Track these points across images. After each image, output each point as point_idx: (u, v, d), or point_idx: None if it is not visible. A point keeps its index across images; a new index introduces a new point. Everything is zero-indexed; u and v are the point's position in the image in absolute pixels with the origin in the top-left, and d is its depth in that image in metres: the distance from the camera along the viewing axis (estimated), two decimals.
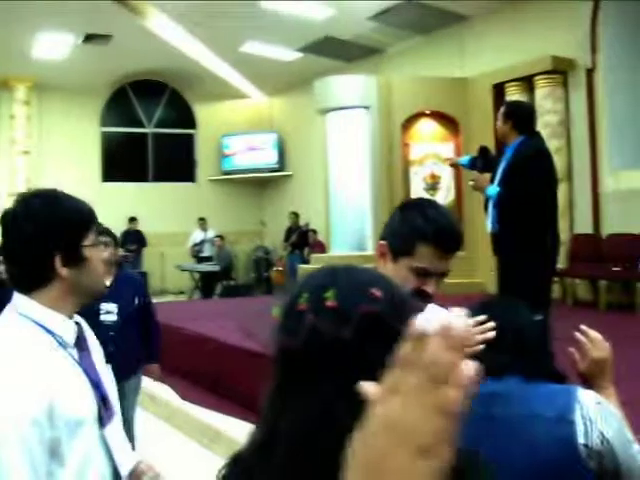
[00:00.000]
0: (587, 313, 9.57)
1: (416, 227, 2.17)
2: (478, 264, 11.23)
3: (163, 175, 20.05)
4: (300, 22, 14.37)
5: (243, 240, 19.83)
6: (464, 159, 6.67)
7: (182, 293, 18.19)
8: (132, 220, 18.27)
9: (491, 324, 1.95)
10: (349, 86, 12.73)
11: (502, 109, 5.95)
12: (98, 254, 2.09)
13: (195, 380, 7.79)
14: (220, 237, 18.13)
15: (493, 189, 5.70)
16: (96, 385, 1.95)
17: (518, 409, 1.84)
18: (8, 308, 1.92)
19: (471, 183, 5.91)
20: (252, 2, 13.37)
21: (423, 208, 2.25)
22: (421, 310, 2.20)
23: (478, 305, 2.10)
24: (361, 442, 0.71)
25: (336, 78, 13.17)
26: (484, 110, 11.84)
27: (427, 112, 12.72)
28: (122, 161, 19.67)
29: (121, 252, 17.62)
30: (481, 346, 1.91)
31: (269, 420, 1.14)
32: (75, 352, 1.95)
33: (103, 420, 1.95)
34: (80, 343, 1.99)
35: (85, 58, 16.38)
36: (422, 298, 2.16)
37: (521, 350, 1.95)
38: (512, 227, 5.71)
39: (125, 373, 4.86)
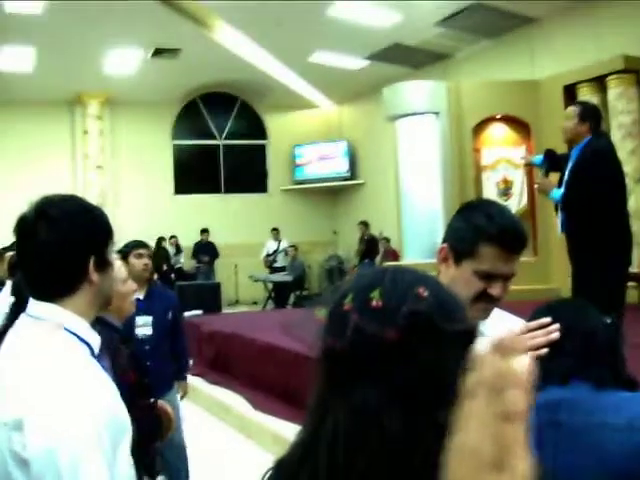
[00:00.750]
0: None
1: (479, 227, 2.11)
2: (553, 269, 11.05)
3: (235, 186, 20.21)
4: (367, 30, 14.36)
5: (316, 250, 19.84)
6: (537, 158, 6.52)
7: (255, 303, 18.27)
8: (204, 232, 18.44)
9: (555, 326, 1.88)
10: (418, 92, 12.67)
11: (575, 109, 5.89)
12: (116, 261, 2.07)
13: (268, 390, 7.79)
14: (293, 247, 18.18)
15: (557, 192, 5.67)
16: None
17: (586, 417, 1.76)
18: (28, 317, 1.84)
19: (536, 186, 5.89)
20: (319, 11, 13.40)
21: (485, 208, 2.19)
22: (483, 316, 2.12)
23: (544, 307, 2.03)
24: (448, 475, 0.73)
25: (405, 84, 13.12)
26: (556, 112, 11.62)
27: (498, 116, 12.60)
28: (194, 173, 19.92)
29: (194, 264, 17.90)
30: (545, 349, 1.85)
31: (313, 422, 1.12)
32: (102, 362, 1.92)
33: None
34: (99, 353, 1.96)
35: (155, 72, 16.66)
36: (488, 301, 2.13)
37: (590, 355, 1.86)
38: (579, 229, 5.69)
39: (160, 388, 4.66)
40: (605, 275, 5.51)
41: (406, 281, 1.11)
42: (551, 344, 1.85)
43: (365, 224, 17.65)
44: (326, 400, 1.10)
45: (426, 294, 1.08)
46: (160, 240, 17.38)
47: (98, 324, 2.38)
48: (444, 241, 2.24)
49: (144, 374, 2.25)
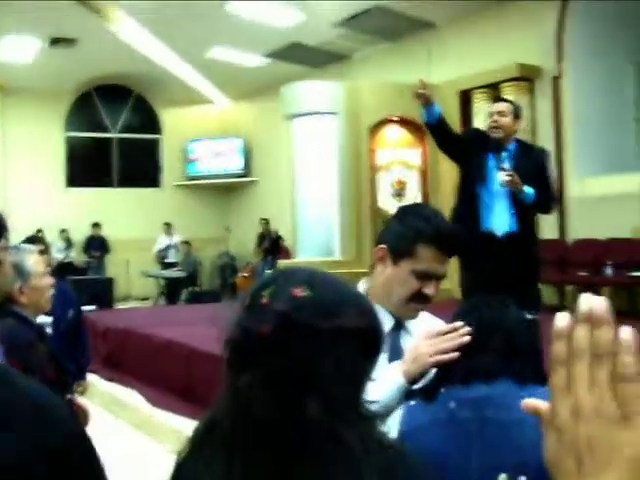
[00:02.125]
0: (554, 318, 9.63)
1: (418, 229, 2.24)
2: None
3: (128, 180, 19.96)
4: (267, 28, 14.36)
5: (208, 246, 19.72)
6: (433, 110, 5.69)
7: (146, 299, 18.08)
8: (96, 226, 18.12)
9: (466, 329, 1.95)
10: (316, 92, 12.72)
11: (510, 105, 5.71)
12: (8, 257, 2.07)
13: (165, 387, 7.74)
14: (186, 243, 18.07)
15: (530, 189, 5.43)
16: None
17: (508, 413, 1.84)
18: None
19: (508, 178, 5.36)
20: (219, 8, 13.35)
21: (423, 211, 2.35)
22: (415, 316, 2.21)
23: (468, 306, 2.10)
24: (562, 441, 0.75)
25: (303, 84, 13.16)
26: (451, 116, 11.83)
27: (394, 118, 12.75)
28: (87, 166, 19.60)
29: (85, 258, 17.50)
30: (456, 353, 1.92)
31: (212, 407, 1.25)
32: None
33: None
34: None
35: (51, 62, 16.27)
36: (421, 301, 2.28)
37: (512, 352, 1.94)
38: (530, 227, 5.71)
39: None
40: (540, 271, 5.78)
41: (292, 281, 1.21)
42: (476, 342, 1.92)
43: (267, 221, 17.63)
44: (224, 387, 1.22)
45: (303, 294, 1.18)
46: (38, 232, 16.84)
47: (14, 318, 2.36)
48: (381, 242, 2.34)
49: (62, 370, 2.24)
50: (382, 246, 2.32)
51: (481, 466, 1.79)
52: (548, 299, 11.17)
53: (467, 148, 5.65)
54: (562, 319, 0.76)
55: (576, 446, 0.73)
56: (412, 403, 1.95)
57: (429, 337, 2.00)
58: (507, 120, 5.57)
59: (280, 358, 1.14)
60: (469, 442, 1.82)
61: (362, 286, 2.41)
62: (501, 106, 5.69)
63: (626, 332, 0.73)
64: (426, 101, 5.55)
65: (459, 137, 5.78)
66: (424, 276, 2.25)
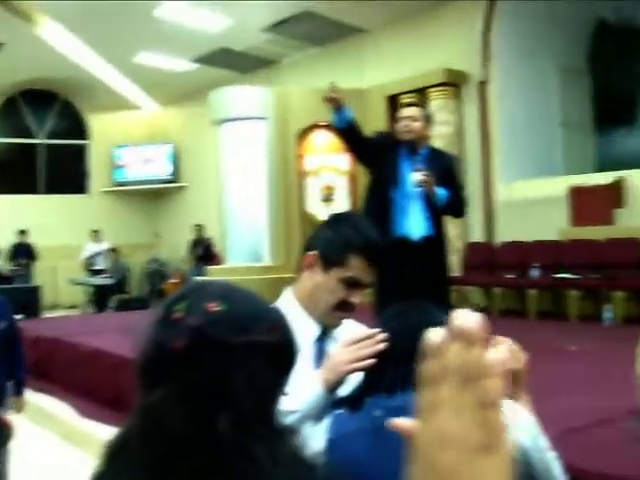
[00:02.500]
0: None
1: (349, 239, 2.28)
2: None
3: (54, 187, 19.66)
4: (195, 33, 14.30)
5: (137, 252, 19.54)
6: (344, 115, 5.66)
7: (75, 307, 17.83)
8: (22, 233, 17.79)
9: (382, 335, 1.96)
10: (244, 97, 12.69)
11: (421, 110, 5.79)
12: None
13: (94, 396, 7.65)
14: (114, 249, 17.88)
15: (442, 191, 5.51)
16: None
17: None
18: None
19: (422, 178, 5.39)
20: (146, 12, 13.25)
21: (354, 221, 2.38)
22: (340, 323, 2.24)
23: (394, 311, 2.11)
24: (423, 467, 0.71)
25: (231, 89, 13.11)
26: (379, 121, 11.96)
27: (322, 123, 12.78)
28: (12, 172, 19.22)
29: (11, 266, 17.18)
30: (372, 360, 1.93)
31: (126, 422, 1.22)
32: None
33: None
34: None
35: None
36: (347, 309, 2.32)
37: None
38: (443, 230, 5.76)
39: None
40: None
41: (206, 296, 1.21)
42: (402, 349, 1.92)
43: (200, 227, 17.50)
44: (137, 401, 1.19)
45: (217, 309, 1.18)
46: None
47: None
48: (311, 248, 2.37)
49: None
50: (313, 253, 2.35)
51: (397, 472, 1.81)
52: (476, 301, 11.34)
53: (378, 152, 5.67)
54: (435, 335, 0.72)
55: (439, 473, 0.69)
56: (338, 411, 1.95)
57: (346, 345, 2.01)
58: (418, 125, 5.64)
59: (194, 373, 1.13)
60: (395, 451, 1.84)
61: (287, 294, 2.43)
62: (412, 111, 5.74)
63: (494, 355, 0.70)
64: (337, 105, 5.55)
65: (370, 141, 5.78)
66: (352, 285, 2.30)
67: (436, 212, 5.61)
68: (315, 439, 1.83)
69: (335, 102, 5.50)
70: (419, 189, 5.50)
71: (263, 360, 1.17)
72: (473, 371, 0.69)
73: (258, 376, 1.16)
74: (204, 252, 16.95)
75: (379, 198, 5.65)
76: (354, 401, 1.95)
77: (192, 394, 1.13)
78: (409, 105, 6.46)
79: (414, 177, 5.48)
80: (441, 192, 5.50)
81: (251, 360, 1.16)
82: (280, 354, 1.22)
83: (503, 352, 0.70)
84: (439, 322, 2.08)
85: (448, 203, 5.58)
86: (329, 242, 2.33)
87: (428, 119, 5.76)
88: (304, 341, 1.77)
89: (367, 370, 1.95)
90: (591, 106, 13.55)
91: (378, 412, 1.86)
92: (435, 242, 5.66)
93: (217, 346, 1.14)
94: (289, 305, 2.30)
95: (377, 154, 5.67)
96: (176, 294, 1.25)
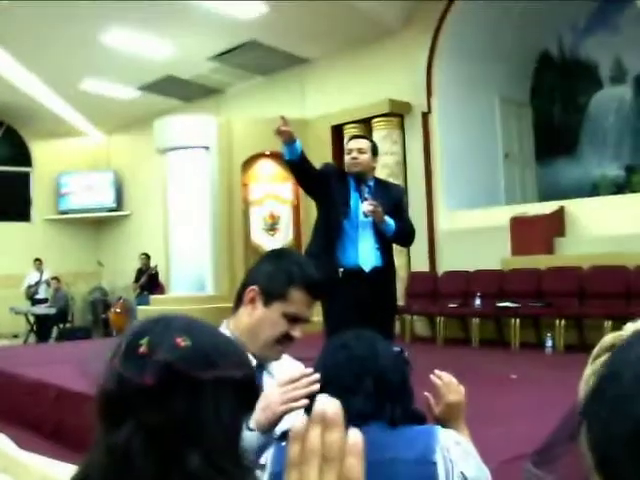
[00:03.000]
0: (425, 348, 9.81)
1: (292, 273, 2.32)
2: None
3: None
4: (140, 61, 14.23)
5: (80, 281, 19.29)
6: (294, 148, 5.60)
7: (16, 337, 17.54)
8: None
9: (316, 376, 1.96)
10: (189, 126, 12.71)
11: (368, 142, 5.82)
12: None
13: (33, 428, 7.50)
14: (56, 279, 17.64)
15: (391, 220, 5.52)
16: None
17: (381, 454, 1.83)
18: None
19: (370, 208, 5.37)
20: (91, 39, 13.17)
21: (294, 257, 2.45)
22: (279, 357, 2.24)
23: (338, 343, 2.09)
24: None
25: (175, 118, 13.13)
26: (323, 151, 11.98)
27: (267, 153, 12.80)
28: None
29: None
30: (306, 400, 1.93)
31: (86, 458, 1.17)
32: None
33: None
34: None
35: None
36: (287, 343, 2.37)
37: (383, 394, 1.94)
38: (392, 260, 5.77)
39: None
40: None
41: (172, 330, 1.17)
42: (347, 383, 1.92)
43: (147, 256, 17.34)
44: (98, 437, 1.15)
45: (184, 344, 1.15)
46: None
47: None
48: (252, 283, 2.39)
49: None
50: (254, 287, 2.36)
51: None
52: (420, 330, 11.37)
53: (327, 183, 5.66)
54: (298, 424, 0.76)
55: None
56: (283, 444, 1.91)
57: (281, 385, 2.01)
58: (366, 157, 5.66)
59: (162, 410, 1.10)
60: None
61: (224, 328, 2.41)
62: (361, 143, 5.77)
63: (354, 436, 0.75)
64: (288, 138, 5.48)
65: (319, 173, 5.79)
66: (294, 319, 2.33)
67: (385, 242, 5.64)
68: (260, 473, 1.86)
69: (286, 135, 5.44)
70: (368, 219, 5.52)
71: (230, 395, 1.15)
72: (333, 452, 0.74)
73: (226, 412, 1.14)
74: (149, 281, 16.79)
75: (329, 229, 5.63)
76: None
77: (160, 431, 1.10)
78: (356, 137, 6.46)
79: (363, 207, 5.49)
80: (389, 222, 5.51)
81: (219, 396, 1.13)
82: (245, 389, 1.19)
83: (358, 434, 0.75)
84: (384, 355, 2.05)
85: (397, 232, 5.59)
86: (270, 276, 2.35)
87: (375, 151, 5.78)
88: None
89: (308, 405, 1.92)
90: (533, 137, 13.75)
91: None
92: (384, 272, 5.66)
93: (187, 382, 1.12)
94: None
95: (326, 186, 5.65)
96: (137, 327, 1.21)
